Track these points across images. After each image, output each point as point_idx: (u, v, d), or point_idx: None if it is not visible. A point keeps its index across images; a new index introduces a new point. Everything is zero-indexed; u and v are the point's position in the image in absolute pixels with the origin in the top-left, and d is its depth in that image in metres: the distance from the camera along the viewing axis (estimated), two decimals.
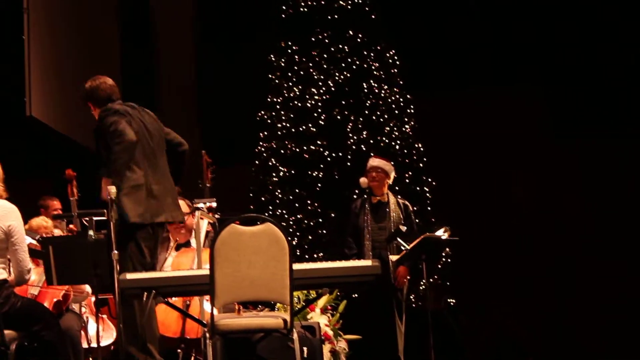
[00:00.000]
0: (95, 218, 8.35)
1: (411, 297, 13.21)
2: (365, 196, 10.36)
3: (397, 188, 10.51)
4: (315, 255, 13.36)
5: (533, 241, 15.31)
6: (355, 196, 11.99)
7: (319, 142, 13.91)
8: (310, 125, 13.98)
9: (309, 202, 13.65)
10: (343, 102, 14.03)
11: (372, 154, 13.00)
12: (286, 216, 13.66)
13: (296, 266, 6.52)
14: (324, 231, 13.47)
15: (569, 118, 15.69)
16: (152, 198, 7.46)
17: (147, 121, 7.72)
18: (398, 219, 10.24)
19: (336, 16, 14.22)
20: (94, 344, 8.86)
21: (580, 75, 15.69)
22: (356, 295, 10.60)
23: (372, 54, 14.27)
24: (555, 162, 15.53)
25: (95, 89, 7.90)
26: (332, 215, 13.46)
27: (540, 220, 15.39)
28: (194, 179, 11.25)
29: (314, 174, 13.75)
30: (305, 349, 7.52)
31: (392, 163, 10.72)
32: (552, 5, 15.77)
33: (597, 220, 15.23)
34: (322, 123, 13.98)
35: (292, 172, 13.91)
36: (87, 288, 8.81)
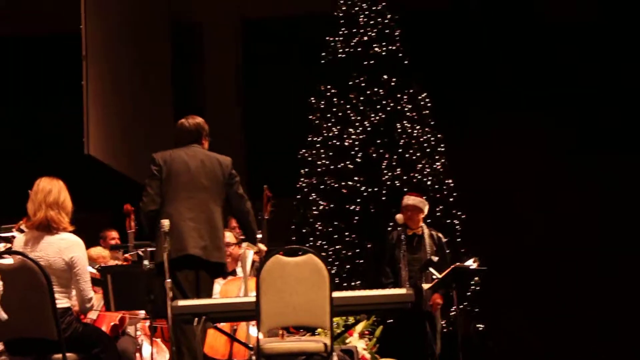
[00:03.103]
0: (149, 249, 8.42)
1: (442, 322, 13.19)
2: (400, 229, 10.37)
3: (428, 221, 10.48)
4: (352, 284, 13.35)
5: (556, 265, 15.26)
6: (389, 228, 11.99)
7: (356, 178, 13.92)
8: (347, 162, 14.00)
9: (346, 233, 13.66)
10: (378, 141, 14.05)
11: (406, 191, 13.05)
12: (325, 247, 13.66)
13: (336, 294, 6.55)
14: (361, 261, 13.47)
15: (593, 140, 15.65)
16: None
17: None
18: (432, 251, 10.24)
19: (372, 62, 14.27)
20: None
21: (609, 98, 15.63)
22: (391, 320, 10.54)
23: (405, 97, 14.29)
24: (580, 200, 15.49)
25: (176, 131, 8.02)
26: (368, 245, 13.47)
27: (565, 250, 15.33)
28: None
29: (352, 208, 13.77)
30: None
31: (425, 197, 10.73)
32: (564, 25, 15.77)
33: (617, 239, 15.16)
34: (359, 160, 14.00)
35: (331, 206, 13.93)
36: (142, 312, 8.86)
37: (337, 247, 13.62)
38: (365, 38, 14.36)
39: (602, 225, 15.42)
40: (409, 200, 10.46)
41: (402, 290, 6.92)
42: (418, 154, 14.07)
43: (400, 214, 10.38)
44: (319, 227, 13.90)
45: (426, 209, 10.52)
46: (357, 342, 8.65)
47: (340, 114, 14.24)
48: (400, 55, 14.41)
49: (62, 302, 6.26)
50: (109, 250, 9.78)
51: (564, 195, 15.62)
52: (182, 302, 6.72)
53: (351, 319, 8.41)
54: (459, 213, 13.97)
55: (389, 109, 14.19)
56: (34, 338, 6.13)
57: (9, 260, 6.31)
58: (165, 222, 7.19)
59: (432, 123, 14.38)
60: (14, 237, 7.66)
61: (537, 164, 15.69)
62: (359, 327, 8.75)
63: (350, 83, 14.29)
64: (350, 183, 13.93)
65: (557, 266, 15.31)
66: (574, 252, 15.29)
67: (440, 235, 10.50)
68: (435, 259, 10.28)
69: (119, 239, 10.71)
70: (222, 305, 6.90)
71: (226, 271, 8.40)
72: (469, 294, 13.29)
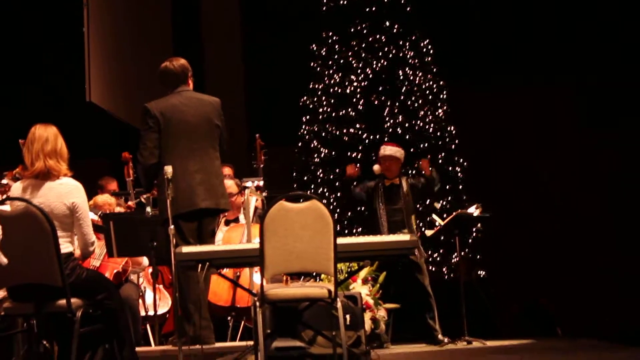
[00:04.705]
0: (150, 196, 8.41)
1: (444, 269, 13.22)
2: (378, 180, 10.32)
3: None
4: (354, 230, 13.37)
5: (561, 217, 15.21)
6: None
7: (357, 126, 13.91)
8: (349, 110, 13.98)
9: (343, 178, 13.66)
10: (380, 89, 14.03)
11: (407, 138, 13.05)
12: (327, 194, 13.67)
13: (340, 240, 6.53)
14: (363, 208, 13.45)
15: (598, 106, 15.53)
16: None
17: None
18: (411, 199, 10.16)
19: (374, 8, 14.20)
20: (150, 312, 8.92)
21: (608, 64, 15.47)
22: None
23: (407, 44, 14.25)
24: (583, 145, 15.40)
25: (162, 73, 7.94)
26: None
27: (568, 198, 15.29)
28: (246, 160, 11.29)
29: (353, 155, 13.75)
30: (347, 316, 7.51)
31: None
32: None
33: (628, 199, 15.09)
34: (361, 108, 13.98)
35: (333, 153, 13.93)
36: (145, 260, 8.86)
37: (338, 194, 13.60)
38: None
39: (610, 171, 15.31)
40: (386, 150, 10.38)
41: (407, 237, 6.90)
42: (420, 101, 14.05)
43: (377, 165, 10.34)
44: (320, 175, 13.91)
45: (402, 157, 10.42)
46: (360, 288, 8.65)
47: (342, 61, 14.21)
48: (403, 1, 14.32)
49: (64, 246, 6.23)
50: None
51: (565, 140, 15.56)
52: (185, 249, 6.69)
53: (355, 265, 8.40)
54: (461, 160, 13.95)
55: (391, 56, 14.15)
56: (38, 284, 6.11)
57: (6, 207, 6.27)
58: (168, 169, 7.16)
59: (434, 70, 14.33)
60: (7, 184, 7.63)
61: (539, 109, 15.62)
62: (363, 274, 8.74)
63: (352, 30, 14.24)
64: (351, 130, 13.91)
65: (559, 213, 15.28)
66: (576, 199, 15.26)
67: (413, 181, 10.37)
68: (438, 205, 10.28)
69: (118, 187, 10.68)
70: (226, 251, 6.88)
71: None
72: (470, 241, 13.30)
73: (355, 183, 10.50)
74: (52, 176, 6.35)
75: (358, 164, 11.12)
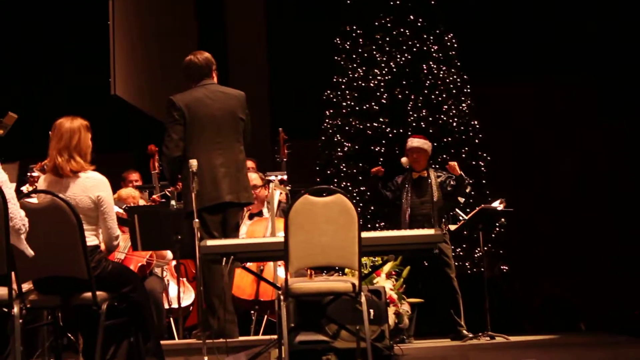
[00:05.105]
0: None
1: (467, 264, 13.20)
2: (406, 173, 10.35)
3: (436, 166, 10.44)
4: (377, 225, 13.36)
5: (584, 212, 15.16)
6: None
7: (381, 120, 13.89)
8: (373, 104, 13.95)
9: (370, 177, 13.66)
10: (404, 82, 13.99)
11: (432, 132, 13.02)
12: (350, 188, 13.66)
13: (364, 234, 6.54)
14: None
15: (615, 99, 15.46)
16: None
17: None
18: (438, 193, 10.17)
19: (398, 2, 14.16)
20: (174, 305, 8.95)
21: (627, 57, 15.41)
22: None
23: (431, 37, 14.20)
24: (605, 138, 15.34)
25: (186, 67, 7.96)
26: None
27: (591, 192, 15.23)
28: (269, 154, 11.29)
29: (377, 149, 13.73)
30: (371, 310, 7.53)
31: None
32: None
33: None
34: (384, 102, 13.96)
35: (356, 147, 13.91)
36: (169, 254, 8.90)
37: (361, 188, 13.60)
38: None
39: (632, 168, 15.26)
40: (413, 142, 10.40)
41: (431, 231, 6.90)
42: (444, 95, 14.01)
43: (405, 158, 10.35)
44: (344, 169, 13.90)
45: (430, 150, 10.45)
46: (384, 282, 8.65)
47: (365, 54, 14.18)
48: None
49: (90, 239, 6.25)
50: None
51: (590, 136, 15.51)
52: (210, 242, 6.72)
53: (379, 260, 8.40)
54: (484, 155, 13.91)
55: (415, 49, 14.11)
56: (64, 276, 6.13)
57: (34, 200, 6.30)
58: (194, 162, 7.19)
59: (458, 64, 14.29)
60: (37, 176, 7.67)
61: (564, 104, 15.58)
62: (387, 268, 8.74)
63: (376, 23, 14.21)
64: (375, 124, 13.89)
65: (582, 209, 15.23)
66: (600, 195, 15.22)
67: (441, 173, 10.40)
68: (462, 200, 10.28)
69: (141, 180, 10.71)
70: (250, 245, 6.91)
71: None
72: (493, 235, 13.27)
73: (380, 183, 10.52)
74: (72, 173, 6.36)
75: (381, 159, 11.12)
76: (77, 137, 6.41)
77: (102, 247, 6.50)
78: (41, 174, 7.31)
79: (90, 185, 6.37)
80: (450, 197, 10.26)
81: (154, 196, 9.72)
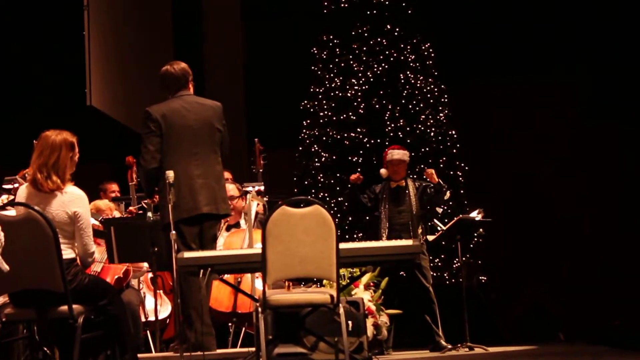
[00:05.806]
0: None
1: (445, 274, 13.21)
2: (384, 182, 10.36)
3: (414, 176, 10.45)
4: (355, 236, 13.36)
5: (562, 222, 15.17)
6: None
7: (358, 130, 13.90)
8: (350, 113, 13.97)
9: (349, 185, 13.64)
10: (381, 92, 14.01)
11: (409, 142, 13.03)
12: (328, 199, 13.66)
13: (342, 245, 6.53)
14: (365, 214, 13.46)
15: (599, 103, 15.46)
16: None
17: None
18: (416, 201, 10.18)
19: (375, 11, 14.19)
20: (151, 318, 8.92)
21: (612, 59, 15.40)
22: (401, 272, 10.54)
23: (408, 47, 14.23)
24: (585, 145, 15.34)
25: (163, 77, 7.93)
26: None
27: (570, 201, 15.24)
28: (245, 165, 11.27)
29: (354, 160, 13.74)
30: (350, 322, 7.52)
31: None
32: None
33: (630, 199, 15.03)
34: (362, 112, 13.97)
35: (334, 157, 13.92)
36: (144, 264, 8.86)
37: (339, 199, 13.60)
38: None
39: (612, 172, 15.26)
40: (394, 155, 10.37)
41: (409, 242, 6.91)
42: (421, 105, 14.04)
43: (384, 169, 10.36)
44: (321, 179, 13.89)
45: (408, 159, 10.48)
46: (362, 293, 8.64)
47: (342, 64, 14.20)
48: (404, 4, 14.32)
49: (67, 252, 6.23)
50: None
51: (568, 144, 15.52)
52: (187, 254, 6.71)
53: (357, 271, 8.40)
54: (462, 164, 13.94)
55: (392, 59, 14.14)
56: (40, 290, 6.10)
57: (11, 212, 6.27)
58: (170, 174, 7.17)
59: (435, 73, 14.32)
60: (17, 186, 7.63)
61: (541, 113, 15.58)
62: (365, 279, 8.73)
63: (353, 33, 14.23)
64: (352, 134, 13.90)
65: (560, 218, 15.25)
66: (577, 203, 15.23)
67: (420, 183, 10.41)
68: (440, 210, 10.29)
69: (119, 191, 10.69)
70: (228, 257, 6.88)
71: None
72: (471, 245, 13.28)
73: (358, 191, 10.51)
74: (49, 190, 6.33)
75: (359, 169, 11.11)
76: (56, 156, 6.38)
77: (78, 260, 6.48)
78: (23, 181, 7.27)
79: (67, 201, 6.35)
80: (429, 205, 10.27)
81: (131, 208, 9.69)
